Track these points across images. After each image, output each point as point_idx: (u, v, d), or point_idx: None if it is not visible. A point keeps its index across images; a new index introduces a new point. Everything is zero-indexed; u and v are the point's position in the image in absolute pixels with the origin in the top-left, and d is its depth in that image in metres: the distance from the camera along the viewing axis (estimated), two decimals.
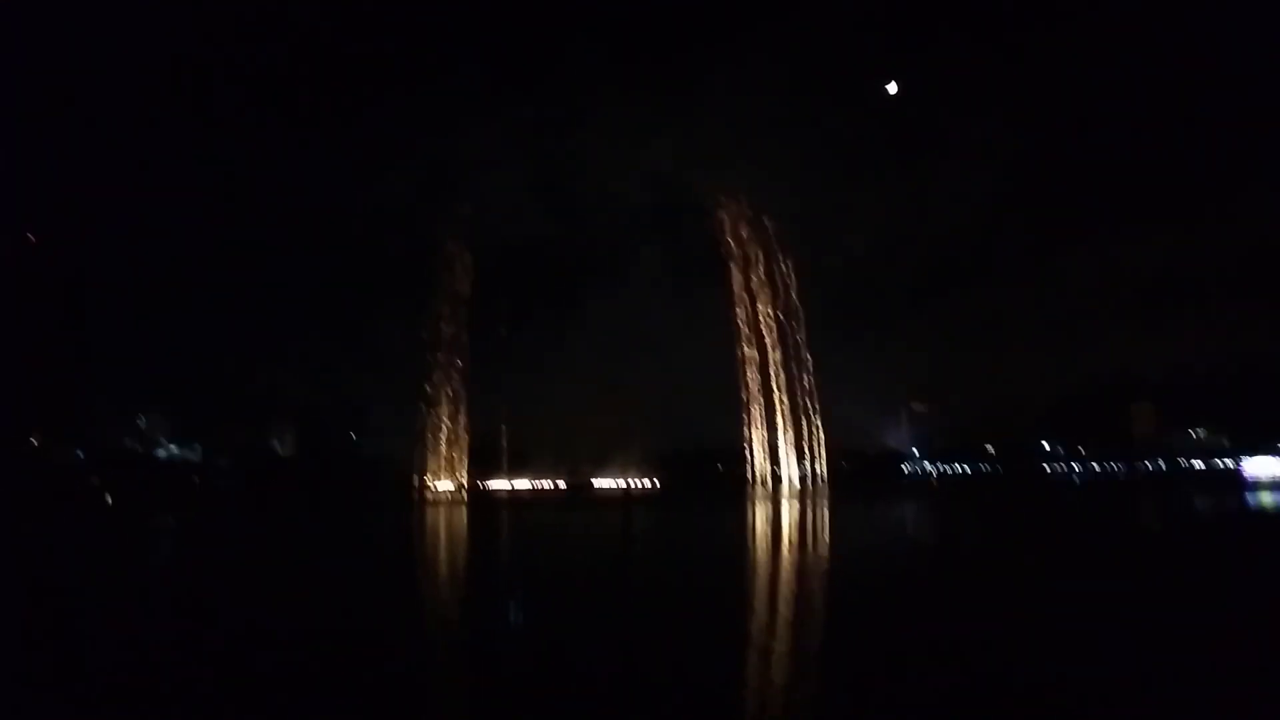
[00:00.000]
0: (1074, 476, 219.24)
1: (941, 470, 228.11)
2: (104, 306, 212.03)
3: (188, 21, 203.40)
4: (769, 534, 60.55)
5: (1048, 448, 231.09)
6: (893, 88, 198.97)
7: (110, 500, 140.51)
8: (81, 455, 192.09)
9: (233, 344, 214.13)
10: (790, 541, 53.49)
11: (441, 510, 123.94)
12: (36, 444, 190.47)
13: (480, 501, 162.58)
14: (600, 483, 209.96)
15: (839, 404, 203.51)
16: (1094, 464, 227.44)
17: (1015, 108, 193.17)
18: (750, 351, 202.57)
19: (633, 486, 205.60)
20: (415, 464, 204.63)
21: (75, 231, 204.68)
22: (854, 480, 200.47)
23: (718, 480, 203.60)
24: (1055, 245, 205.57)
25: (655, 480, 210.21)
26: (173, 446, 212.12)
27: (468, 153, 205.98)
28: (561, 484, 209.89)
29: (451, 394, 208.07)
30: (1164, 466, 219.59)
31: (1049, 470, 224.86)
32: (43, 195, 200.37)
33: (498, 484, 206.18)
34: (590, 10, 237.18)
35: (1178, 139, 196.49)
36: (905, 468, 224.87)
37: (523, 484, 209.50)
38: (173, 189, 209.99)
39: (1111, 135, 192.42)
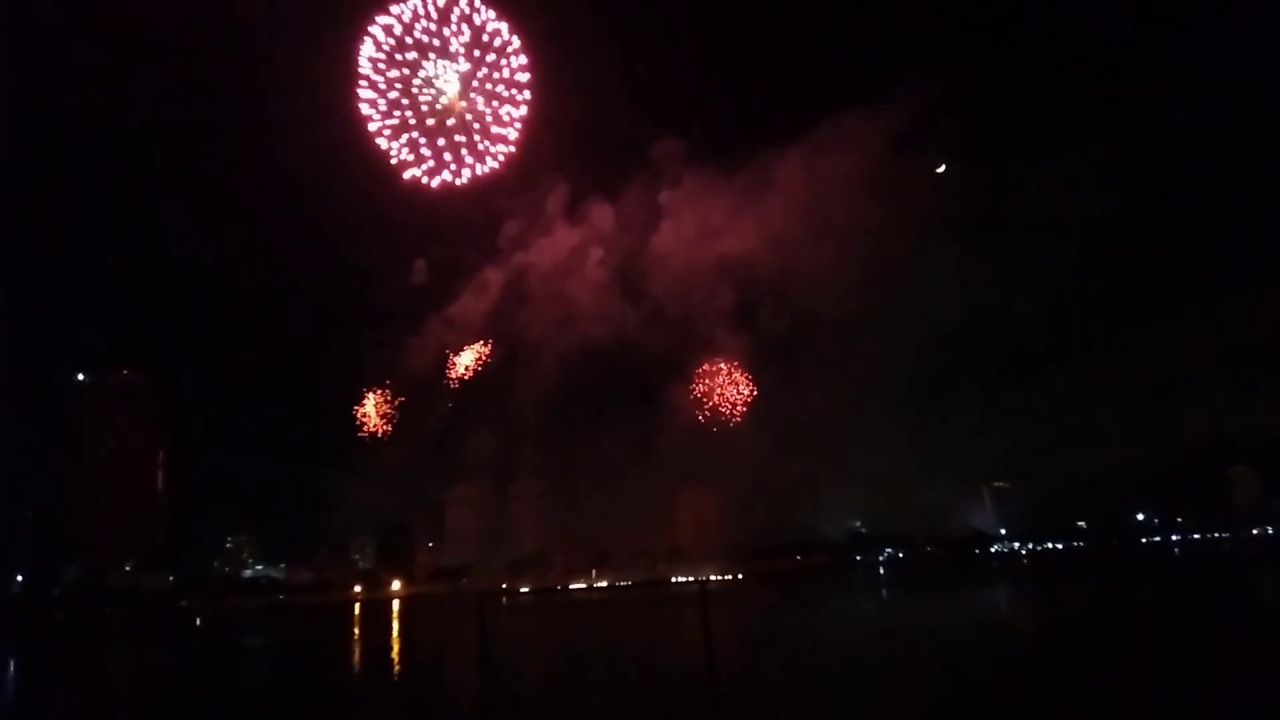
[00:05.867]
0: (1175, 549, 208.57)
1: (1032, 549, 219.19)
2: (194, 436, 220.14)
3: (285, 197, 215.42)
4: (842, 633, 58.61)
5: (1143, 520, 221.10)
6: (941, 168, 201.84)
7: (199, 622, 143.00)
8: (172, 579, 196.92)
9: (314, 461, 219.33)
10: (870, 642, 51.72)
11: (521, 617, 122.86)
12: (129, 569, 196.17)
13: (559, 603, 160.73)
14: (679, 577, 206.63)
15: (920, 486, 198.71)
16: (1195, 534, 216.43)
17: (1094, 176, 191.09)
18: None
19: (711, 581, 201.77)
20: (494, 568, 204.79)
21: (168, 366, 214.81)
22: (940, 564, 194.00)
23: (798, 572, 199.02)
24: (1140, 312, 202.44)
25: (734, 574, 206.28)
26: (258, 566, 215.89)
27: (547, 259, 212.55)
28: (641, 581, 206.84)
29: (529, 496, 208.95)
30: (1270, 533, 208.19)
31: (1146, 543, 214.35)
32: (136, 333, 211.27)
33: (578, 585, 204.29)
34: (665, 113, 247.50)
35: (1265, 196, 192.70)
36: (993, 549, 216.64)
37: (602, 583, 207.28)
38: (253, 323, 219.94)
39: (1196, 195, 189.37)
